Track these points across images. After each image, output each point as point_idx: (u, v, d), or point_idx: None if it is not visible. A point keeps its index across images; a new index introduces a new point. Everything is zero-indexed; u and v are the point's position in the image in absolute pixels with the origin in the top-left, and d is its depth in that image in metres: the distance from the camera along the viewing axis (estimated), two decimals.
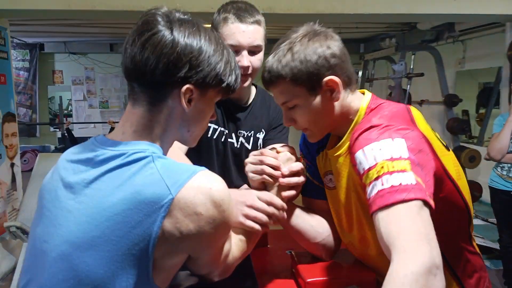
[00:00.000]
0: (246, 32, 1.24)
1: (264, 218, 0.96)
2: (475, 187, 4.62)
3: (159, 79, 0.76)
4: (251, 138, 1.42)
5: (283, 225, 1.11)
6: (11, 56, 3.42)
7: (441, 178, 0.91)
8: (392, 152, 0.80)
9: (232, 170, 1.38)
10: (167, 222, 0.70)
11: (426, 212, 0.75)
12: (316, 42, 0.95)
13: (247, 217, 0.96)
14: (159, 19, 0.77)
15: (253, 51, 1.27)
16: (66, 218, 0.74)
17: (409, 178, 0.77)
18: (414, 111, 0.98)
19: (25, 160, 6.25)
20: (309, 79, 0.94)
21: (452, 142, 5.12)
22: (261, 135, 1.45)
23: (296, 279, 1.09)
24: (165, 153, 0.82)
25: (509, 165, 2.68)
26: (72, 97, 7.89)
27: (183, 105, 0.78)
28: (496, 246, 3.15)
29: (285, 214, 1.01)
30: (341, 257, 1.13)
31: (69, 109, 8.41)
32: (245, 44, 1.25)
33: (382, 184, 0.77)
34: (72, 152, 0.83)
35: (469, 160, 4.73)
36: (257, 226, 0.96)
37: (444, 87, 5.08)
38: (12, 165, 3.45)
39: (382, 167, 0.79)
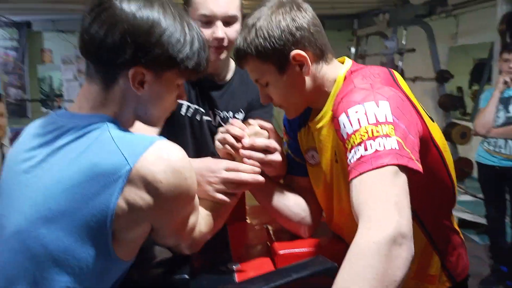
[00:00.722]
0: (220, 1, 1.19)
1: (233, 187, 0.95)
2: (466, 163, 4.65)
3: (107, 58, 0.74)
4: (229, 120, 1.37)
5: (260, 203, 1.11)
6: None
7: (426, 142, 0.89)
8: (377, 116, 0.78)
9: (211, 147, 1.36)
10: (126, 192, 0.69)
11: (401, 178, 0.73)
12: (279, 15, 0.91)
13: (217, 190, 0.95)
14: None
15: (228, 21, 1.21)
16: (23, 192, 0.74)
17: (392, 143, 0.75)
18: (397, 74, 0.96)
19: None
20: (275, 55, 0.92)
21: (445, 118, 5.12)
22: (240, 116, 1.41)
23: (270, 252, 1.10)
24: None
25: (495, 139, 2.69)
26: (63, 77, 7.80)
27: (133, 88, 0.76)
28: (484, 221, 3.20)
29: (258, 178, 0.97)
30: (319, 232, 1.13)
31: (61, 90, 8.32)
32: (219, 14, 1.19)
33: (366, 150, 0.75)
34: (34, 126, 0.83)
35: (460, 136, 4.75)
36: (226, 199, 0.95)
37: (436, 63, 5.06)
38: (1, 145, 3.44)
39: (366, 131, 0.77)
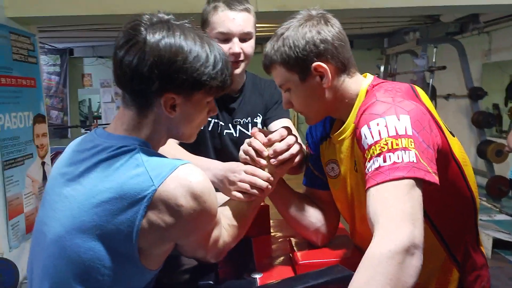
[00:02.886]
0: (236, 19, 1.28)
1: (247, 186, 1.01)
2: (503, 182, 4.51)
3: (139, 89, 0.80)
4: (249, 125, 1.46)
5: (279, 211, 1.16)
6: (40, 61, 3.59)
7: (446, 156, 0.92)
8: (397, 129, 0.81)
9: (234, 159, 1.42)
10: (150, 213, 0.75)
11: (417, 192, 0.77)
12: (306, 27, 0.96)
13: (235, 189, 1.02)
14: (136, 31, 0.79)
15: (243, 38, 1.31)
16: (63, 203, 0.81)
17: (410, 156, 0.78)
18: (419, 88, 0.99)
19: None
20: (298, 64, 0.96)
21: (479, 136, 5.00)
22: (258, 119, 1.49)
23: (292, 263, 1.14)
24: (155, 149, 0.87)
25: None
26: (101, 100, 8.17)
27: (166, 112, 0.82)
28: None
29: (269, 186, 1.02)
30: (338, 243, 1.17)
31: (99, 111, 8.69)
32: (236, 31, 1.29)
33: (384, 161, 0.79)
34: (75, 143, 0.92)
35: (495, 154, 4.63)
36: (242, 197, 1.01)
37: (468, 80, 4.98)
38: (43, 163, 3.64)
39: (386, 143, 0.80)
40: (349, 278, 0.73)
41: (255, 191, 1.01)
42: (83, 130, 8.33)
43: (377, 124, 0.83)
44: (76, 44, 7.55)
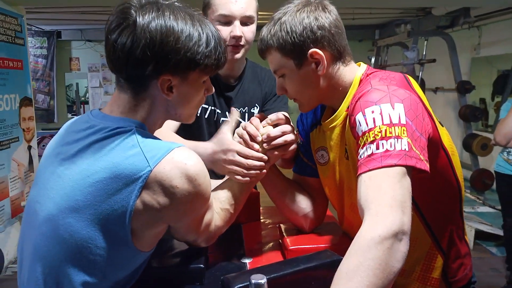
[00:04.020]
0: (238, 1, 1.26)
1: (243, 171, 1.01)
2: (487, 175, 4.59)
3: (135, 73, 0.80)
4: (246, 114, 1.45)
5: (270, 195, 1.17)
6: (27, 42, 3.52)
7: (436, 145, 0.93)
8: (391, 117, 0.82)
9: None
10: (144, 193, 0.75)
11: (407, 180, 0.79)
12: (304, 13, 0.95)
13: (229, 170, 1.01)
14: (126, 14, 0.78)
15: (245, 22, 1.29)
16: (56, 182, 0.80)
17: (403, 144, 0.80)
18: (411, 78, 0.99)
19: (43, 145, 6.44)
20: (294, 50, 0.96)
21: (465, 129, 5.07)
22: (255, 110, 1.47)
23: (282, 249, 1.15)
24: (151, 131, 0.86)
25: None
26: (89, 84, 8.05)
27: (163, 95, 0.81)
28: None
29: (263, 166, 1.03)
30: (327, 229, 1.18)
31: (86, 96, 8.57)
32: (237, 14, 1.27)
33: (377, 148, 0.80)
34: (71, 123, 0.91)
35: (481, 147, 4.70)
36: (240, 179, 1.01)
37: (457, 74, 5.02)
38: (29, 147, 3.59)
39: (380, 131, 0.81)
40: (337, 262, 0.75)
41: (251, 171, 1.01)
42: (69, 115, 8.24)
43: (372, 112, 0.84)
44: (64, 27, 7.40)
